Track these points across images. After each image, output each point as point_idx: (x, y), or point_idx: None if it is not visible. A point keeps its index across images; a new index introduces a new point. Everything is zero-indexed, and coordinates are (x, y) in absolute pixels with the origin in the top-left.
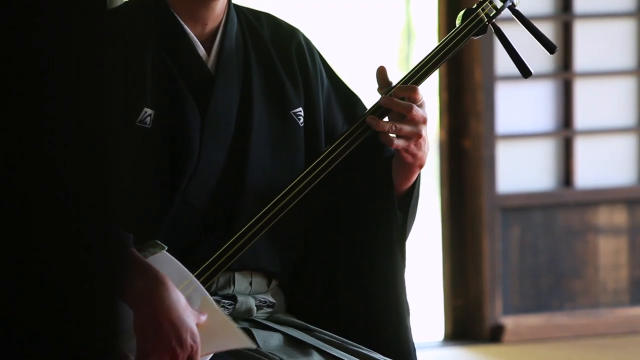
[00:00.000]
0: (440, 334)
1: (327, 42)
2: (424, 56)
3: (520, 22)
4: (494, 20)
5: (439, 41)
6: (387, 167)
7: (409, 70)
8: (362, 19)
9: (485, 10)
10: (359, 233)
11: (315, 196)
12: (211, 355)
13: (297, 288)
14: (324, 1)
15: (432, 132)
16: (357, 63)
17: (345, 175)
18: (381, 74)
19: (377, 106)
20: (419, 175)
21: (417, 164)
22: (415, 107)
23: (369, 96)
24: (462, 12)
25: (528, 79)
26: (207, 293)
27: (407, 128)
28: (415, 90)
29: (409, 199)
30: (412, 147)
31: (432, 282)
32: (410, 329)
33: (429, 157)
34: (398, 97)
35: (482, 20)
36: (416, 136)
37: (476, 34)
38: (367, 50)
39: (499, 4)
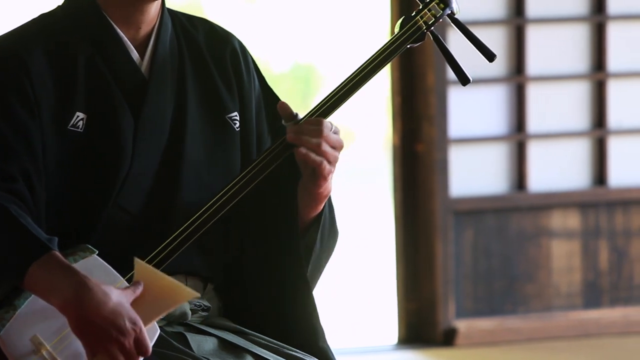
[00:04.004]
0: (394, 338)
1: (316, 41)
2: (361, 63)
3: (460, 30)
4: (432, 28)
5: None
6: (292, 193)
7: (347, 76)
8: (348, 18)
9: (424, 18)
10: (265, 255)
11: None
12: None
13: (234, 292)
14: (312, 1)
15: (385, 136)
16: (346, 62)
17: (257, 193)
18: (283, 109)
19: (284, 141)
20: (329, 200)
21: (325, 192)
22: (324, 142)
23: (362, 96)
24: (400, 20)
25: (482, 82)
26: None
27: (319, 139)
28: (320, 123)
29: (318, 224)
30: (328, 170)
31: (385, 286)
32: (327, 350)
33: (382, 161)
34: (305, 131)
35: (420, 28)
36: (334, 160)
37: (414, 42)
38: (354, 49)
39: (439, 12)
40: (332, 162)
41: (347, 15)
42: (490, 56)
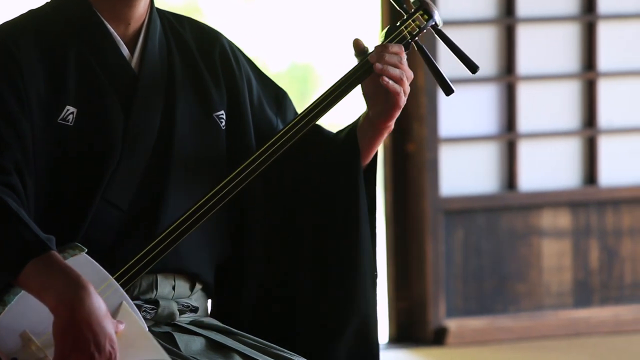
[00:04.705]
0: (384, 337)
1: (313, 41)
2: (348, 70)
3: (443, 41)
4: (416, 38)
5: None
6: (352, 140)
7: (334, 82)
8: (345, 18)
9: (408, 29)
10: (324, 220)
11: (268, 201)
12: None
13: (232, 296)
14: (309, 1)
15: None
16: (344, 62)
17: (303, 168)
18: (356, 44)
19: (363, 63)
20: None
21: (391, 126)
22: (404, 74)
23: (353, 96)
24: (385, 29)
25: (472, 82)
26: (126, 296)
27: (401, 70)
28: (402, 54)
29: (372, 174)
30: (403, 94)
31: None
32: (377, 326)
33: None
34: (389, 60)
35: (404, 38)
36: (407, 91)
37: None
38: (351, 49)
39: (423, 23)
40: (406, 93)
41: (344, 15)
42: (473, 68)
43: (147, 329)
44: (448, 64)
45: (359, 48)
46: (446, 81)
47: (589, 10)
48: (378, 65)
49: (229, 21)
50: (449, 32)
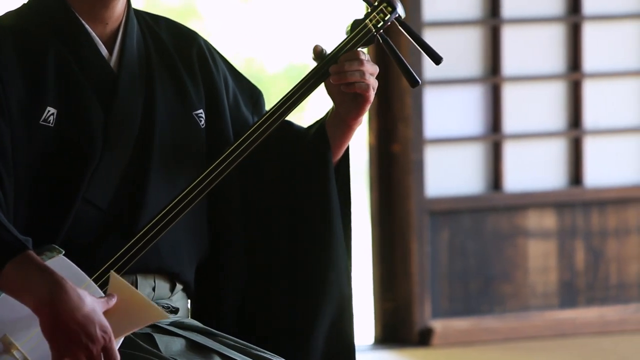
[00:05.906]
0: (370, 338)
1: (310, 42)
2: (315, 65)
3: (406, 32)
4: (381, 31)
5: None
6: (321, 136)
7: (301, 79)
8: (342, 18)
9: (373, 22)
10: (297, 215)
11: (245, 201)
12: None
13: (211, 297)
14: (306, 2)
15: (361, 137)
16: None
17: (276, 165)
18: (316, 51)
19: (319, 69)
20: (348, 148)
21: (361, 120)
22: (366, 72)
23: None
24: (351, 22)
25: (458, 82)
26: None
27: (362, 71)
28: (358, 55)
29: (346, 167)
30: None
31: (361, 286)
32: (352, 320)
33: (358, 161)
34: (347, 66)
35: (370, 30)
36: (375, 85)
37: (364, 44)
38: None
39: (387, 16)
40: (373, 87)
41: (340, 16)
42: (437, 59)
43: (139, 292)
44: (433, 65)
45: (316, 52)
46: (411, 72)
47: (574, 11)
48: (335, 78)
49: (226, 22)
50: (435, 33)
